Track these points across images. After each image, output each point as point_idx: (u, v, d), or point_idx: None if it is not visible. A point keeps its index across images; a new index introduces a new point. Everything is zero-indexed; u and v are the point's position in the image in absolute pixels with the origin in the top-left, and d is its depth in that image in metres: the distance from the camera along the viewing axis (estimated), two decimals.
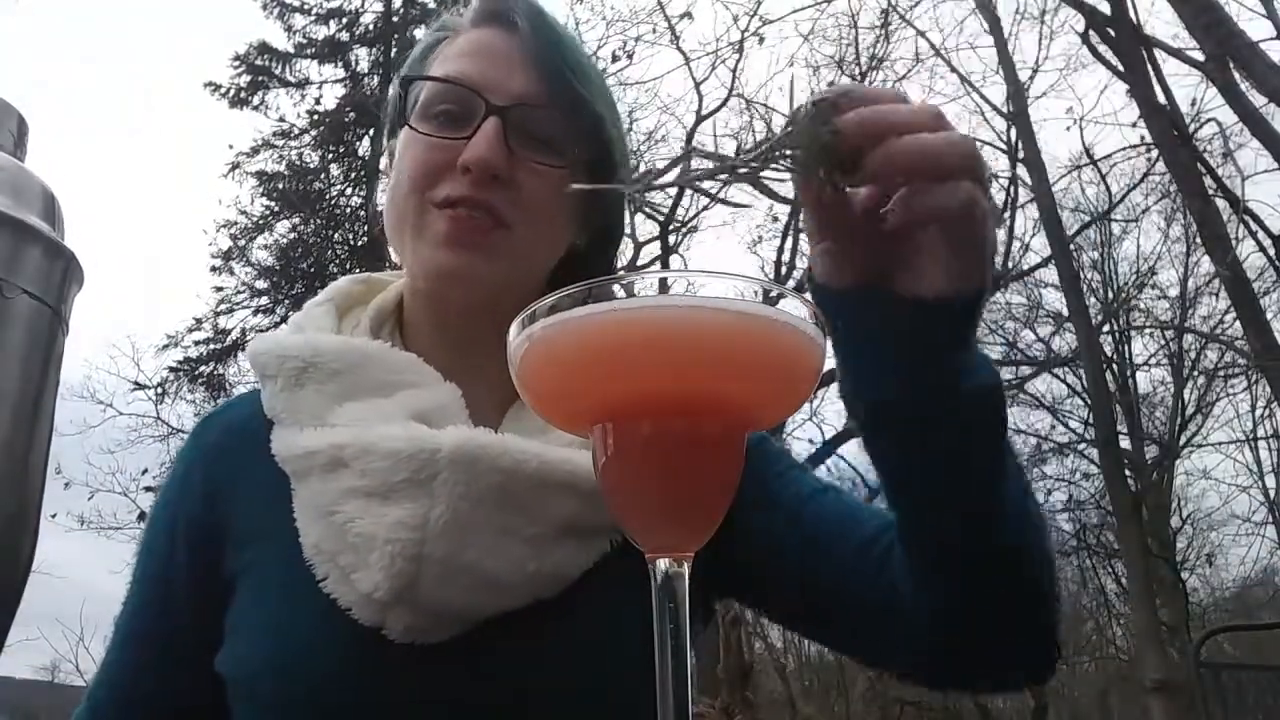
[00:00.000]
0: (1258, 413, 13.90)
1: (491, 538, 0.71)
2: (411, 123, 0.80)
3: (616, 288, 0.44)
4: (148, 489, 11.23)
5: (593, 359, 0.44)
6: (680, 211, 11.59)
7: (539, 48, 0.80)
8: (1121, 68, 8.90)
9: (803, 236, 11.56)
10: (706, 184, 0.49)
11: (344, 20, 12.62)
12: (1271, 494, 14.26)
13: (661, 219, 11.40)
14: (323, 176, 12.50)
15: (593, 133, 0.81)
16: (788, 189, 0.52)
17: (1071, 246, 11.05)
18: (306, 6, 12.56)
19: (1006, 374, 12.99)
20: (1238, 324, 8.84)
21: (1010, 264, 11.55)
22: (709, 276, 0.45)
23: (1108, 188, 12.00)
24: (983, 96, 11.49)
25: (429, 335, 0.85)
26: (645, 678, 0.46)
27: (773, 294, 0.45)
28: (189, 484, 0.85)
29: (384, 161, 0.91)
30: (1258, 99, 7.01)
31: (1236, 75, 6.99)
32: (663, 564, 0.47)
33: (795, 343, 0.45)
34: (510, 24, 0.81)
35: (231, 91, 12.34)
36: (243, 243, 12.11)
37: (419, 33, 12.66)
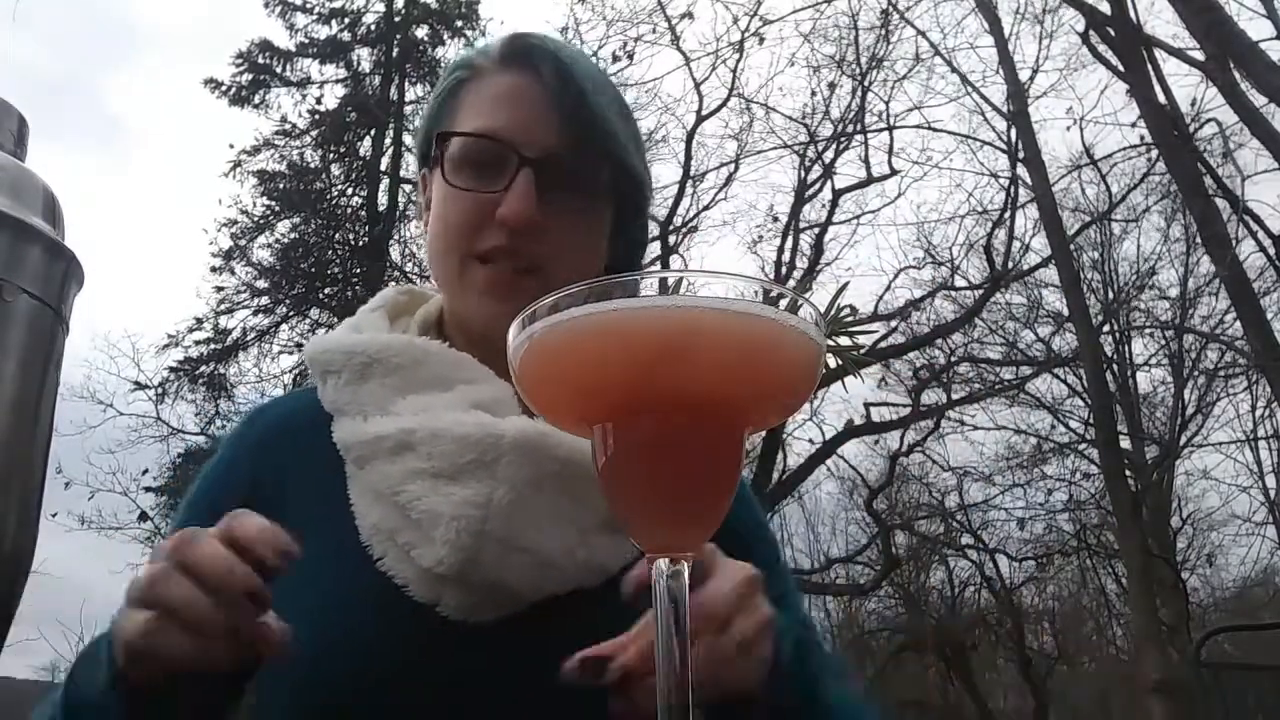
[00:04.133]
0: (1258, 413, 13.88)
1: (547, 521, 0.76)
2: (447, 175, 0.84)
3: (616, 288, 0.44)
4: (148, 489, 11.24)
5: (592, 359, 0.44)
6: (680, 211, 11.59)
7: (565, 94, 0.83)
8: (1122, 68, 8.89)
9: (803, 237, 11.56)
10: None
11: (346, 20, 12.61)
12: (1271, 494, 14.24)
13: (661, 219, 11.40)
14: (323, 176, 12.49)
15: (620, 175, 0.86)
16: None
17: (1071, 246, 11.04)
18: (309, 6, 12.55)
19: (1007, 374, 13.00)
20: (1238, 324, 8.84)
21: (1010, 264, 11.55)
22: (709, 276, 0.45)
23: (1108, 188, 11.99)
24: (983, 96, 11.48)
25: (470, 347, 0.88)
26: None
27: (773, 294, 0.45)
28: (235, 471, 0.89)
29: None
30: (1258, 99, 7.00)
31: (1236, 75, 6.99)
32: (663, 564, 0.47)
33: (795, 343, 0.45)
34: (534, 68, 0.85)
35: (232, 90, 12.33)
36: (243, 242, 12.09)
37: (421, 33, 12.70)
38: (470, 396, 0.80)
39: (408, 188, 11.48)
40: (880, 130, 11.49)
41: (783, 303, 0.45)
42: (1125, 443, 12.17)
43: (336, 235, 12.36)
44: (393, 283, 1.04)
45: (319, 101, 12.52)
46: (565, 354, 0.45)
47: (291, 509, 0.82)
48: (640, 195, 0.91)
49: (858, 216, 12.03)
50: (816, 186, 11.76)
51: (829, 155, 11.71)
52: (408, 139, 11.81)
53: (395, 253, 11.95)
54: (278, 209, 12.25)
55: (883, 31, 11.43)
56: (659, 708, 0.44)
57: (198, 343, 11.84)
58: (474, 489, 0.74)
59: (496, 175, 0.82)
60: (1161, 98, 8.62)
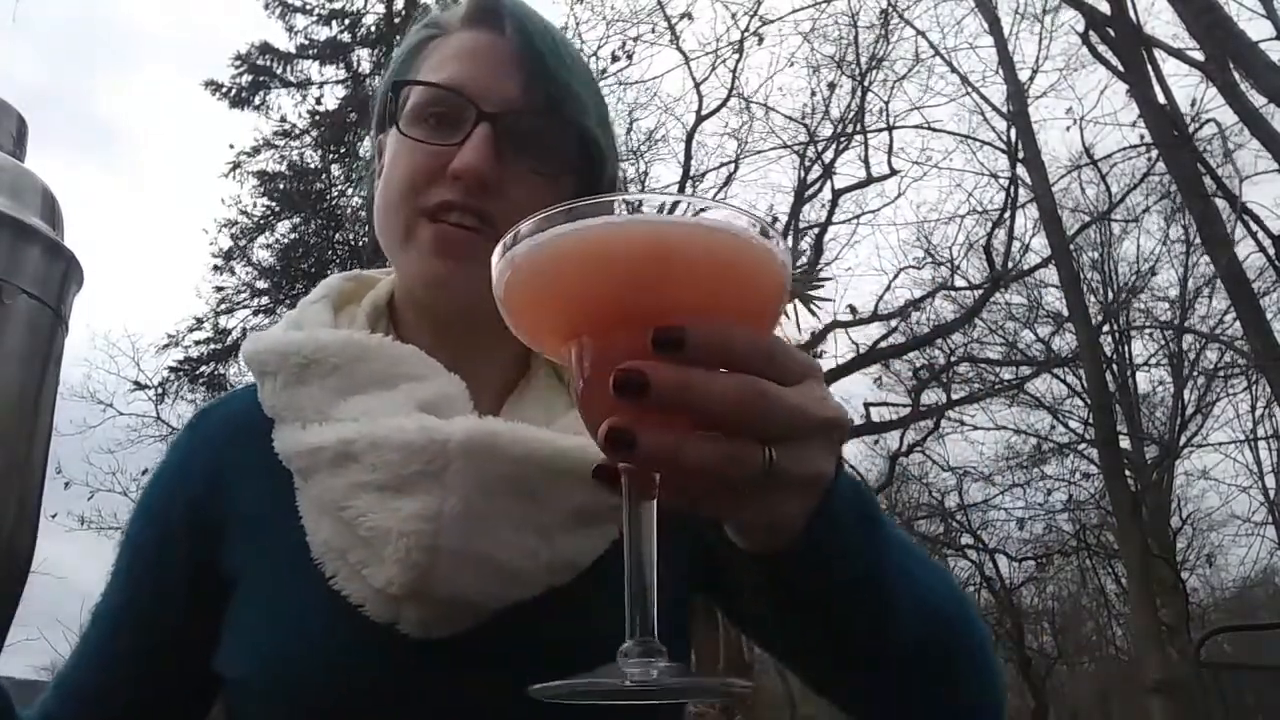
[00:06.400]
0: (1258, 413, 13.90)
1: (505, 527, 0.70)
2: (402, 127, 0.80)
3: (593, 208, 0.46)
4: None
5: (564, 274, 0.46)
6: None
7: (528, 53, 0.80)
8: (1121, 68, 8.89)
9: (804, 237, 11.56)
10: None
11: (346, 21, 12.61)
12: (1271, 494, 14.25)
13: None
14: (323, 177, 12.50)
15: (580, 139, 0.81)
16: None
17: (1071, 246, 11.05)
18: (308, 7, 12.55)
19: (1007, 374, 13.00)
20: (1238, 324, 8.84)
21: (1010, 264, 11.55)
22: (694, 200, 0.48)
23: (1108, 188, 12.00)
24: (983, 96, 11.50)
25: (424, 330, 0.84)
26: None
27: (743, 221, 0.47)
28: (189, 469, 0.84)
29: (368, 150, 0.92)
30: (1258, 99, 7.01)
31: (1236, 75, 6.99)
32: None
33: (758, 258, 0.47)
34: (500, 26, 0.81)
35: (233, 91, 12.33)
36: (243, 242, 12.10)
37: None
38: (416, 395, 0.75)
39: None
40: (880, 130, 11.52)
41: (754, 229, 0.47)
42: (1125, 443, 12.18)
43: (336, 235, 12.36)
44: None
45: (319, 102, 12.54)
46: (538, 272, 0.47)
47: (245, 509, 0.80)
48: (600, 171, 0.85)
49: (858, 216, 12.07)
50: (816, 186, 11.79)
51: (829, 155, 11.75)
52: None
53: None
54: (278, 209, 12.25)
55: (882, 31, 11.46)
56: (626, 599, 0.46)
57: (198, 343, 11.85)
58: (423, 501, 0.69)
59: (454, 130, 0.78)
60: (1161, 98, 8.63)
